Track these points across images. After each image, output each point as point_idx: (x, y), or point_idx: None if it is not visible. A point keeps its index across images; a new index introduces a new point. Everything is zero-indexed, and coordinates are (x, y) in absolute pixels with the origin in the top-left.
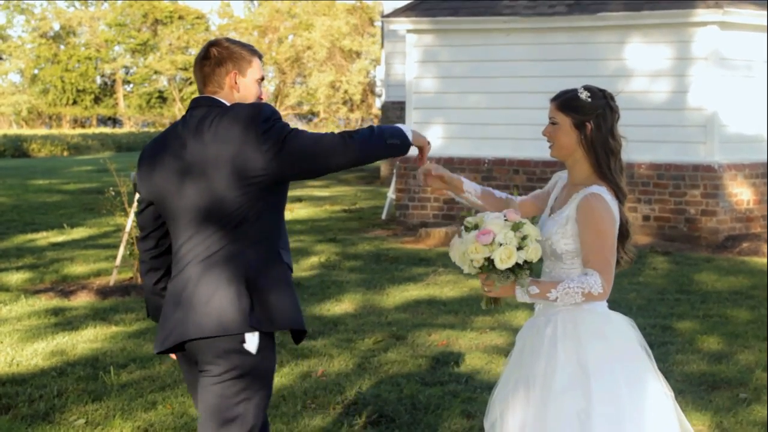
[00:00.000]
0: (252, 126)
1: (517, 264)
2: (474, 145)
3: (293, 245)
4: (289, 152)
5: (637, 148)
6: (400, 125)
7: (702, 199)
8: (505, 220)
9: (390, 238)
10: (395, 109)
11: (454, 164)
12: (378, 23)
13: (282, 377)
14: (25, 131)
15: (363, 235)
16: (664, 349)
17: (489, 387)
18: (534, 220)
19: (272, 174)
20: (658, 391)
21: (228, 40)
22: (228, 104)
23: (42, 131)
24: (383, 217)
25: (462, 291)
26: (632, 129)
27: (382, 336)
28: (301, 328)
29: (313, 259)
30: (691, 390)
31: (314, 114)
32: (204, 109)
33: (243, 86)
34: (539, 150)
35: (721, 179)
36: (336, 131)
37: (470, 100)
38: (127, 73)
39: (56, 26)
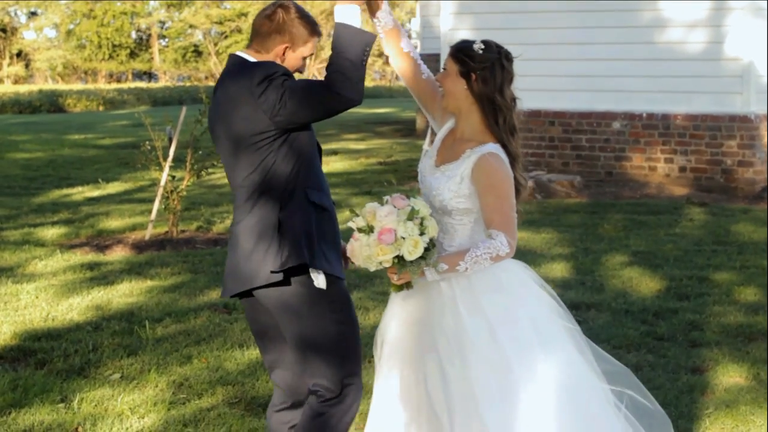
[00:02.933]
0: (249, 89)
1: (426, 246)
2: None
3: None
4: (288, 110)
5: (674, 99)
6: (347, 16)
7: (738, 150)
8: (396, 208)
9: None
10: (431, 62)
11: None
12: None
13: None
14: (61, 86)
15: (399, 187)
16: (701, 300)
17: None
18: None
19: (276, 129)
20: (564, 327)
21: (298, 9)
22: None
23: (77, 86)
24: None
25: None
26: (668, 80)
27: None
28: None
29: (348, 213)
30: (727, 341)
31: None
32: (228, 67)
33: (288, 59)
34: (575, 101)
35: (758, 130)
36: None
37: None
38: (162, 28)
39: None
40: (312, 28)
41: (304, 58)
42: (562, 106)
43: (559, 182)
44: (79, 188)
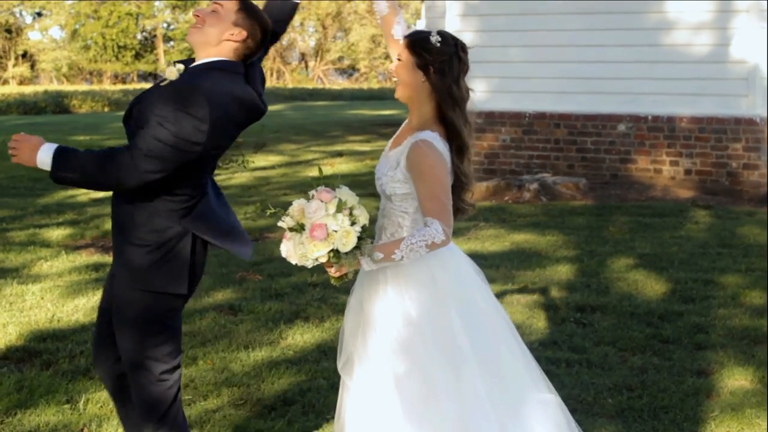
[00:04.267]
0: None
1: (359, 236)
2: (515, 98)
3: None
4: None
5: (679, 102)
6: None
7: (744, 153)
8: (323, 202)
9: None
10: None
11: (495, 117)
12: None
13: (323, 332)
14: (66, 87)
15: None
16: (707, 303)
17: (530, 341)
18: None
19: None
20: (495, 319)
21: None
22: None
23: (83, 87)
24: None
25: (504, 245)
26: (674, 82)
27: None
28: None
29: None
30: (733, 344)
31: (355, 69)
32: None
33: None
34: (580, 103)
35: (763, 132)
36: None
37: (511, 54)
38: (168, 29)
39: None
40: None
41: None
42: (568, 108)
43: (564, 184)
44: (85, 189)
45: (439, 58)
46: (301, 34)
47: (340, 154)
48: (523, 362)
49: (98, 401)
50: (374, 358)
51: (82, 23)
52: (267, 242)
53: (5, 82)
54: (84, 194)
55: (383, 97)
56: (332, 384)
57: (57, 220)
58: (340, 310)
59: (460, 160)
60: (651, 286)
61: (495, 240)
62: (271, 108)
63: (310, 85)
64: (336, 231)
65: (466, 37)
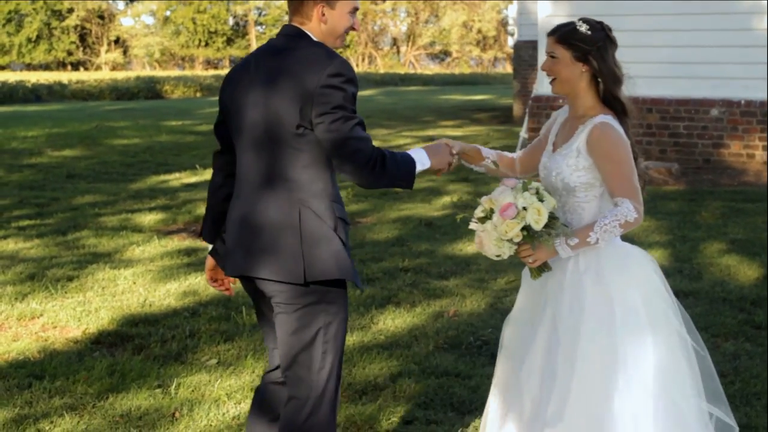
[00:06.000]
0: (314, 81)
1: (550, 216)
2: None
3: (425, 185)
4: (322, 131)
5: None
6: (416, 154)
7: None
8: (508, 186)
9: None
10: (528, 48)
11: None
12: None
13: (414, 317)
14: (158, 73)
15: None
16: None
17: None
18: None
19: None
20: (675, 331)
21: None
22: (312, 37)
23: (175, 72)
24: None
25: None
26: (767, 67)
27: (514, 276)
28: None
29: (446, 199)
30: None
31: (447, 54)
32: (284, 39)
33: (331, 19)
34: (673, 88)
35: None
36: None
37: None
38: (259, 15)
39: None
40: None
41: (350, 13)
42: (660, 93)
43: (656, 169)
44: (177, 174)
45: (596, 45)
46: (392, 20)
47: (431, 139)
48: (684, 366)
49: (189, 386)
50: (562, 344)
51: (174, 9)
52: (359, 227)
53: (98, 67)
54: (176, 180)
55: (475, 82)
56: (423, 369)
57: (149, 205)
58: (431, 294)
59: (631, 137)
60: (743, 272)
61: None
62: (362, 93)
63: (401, 70)
64: (525, 208)
65: (558, 22)
